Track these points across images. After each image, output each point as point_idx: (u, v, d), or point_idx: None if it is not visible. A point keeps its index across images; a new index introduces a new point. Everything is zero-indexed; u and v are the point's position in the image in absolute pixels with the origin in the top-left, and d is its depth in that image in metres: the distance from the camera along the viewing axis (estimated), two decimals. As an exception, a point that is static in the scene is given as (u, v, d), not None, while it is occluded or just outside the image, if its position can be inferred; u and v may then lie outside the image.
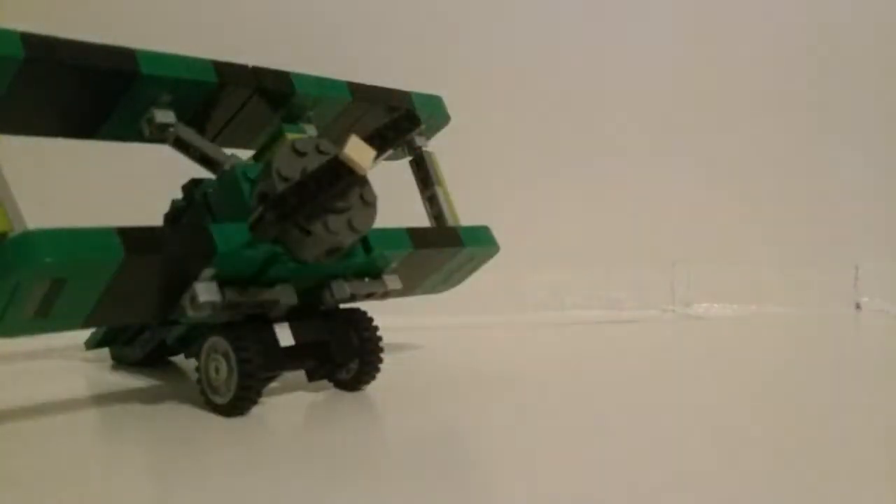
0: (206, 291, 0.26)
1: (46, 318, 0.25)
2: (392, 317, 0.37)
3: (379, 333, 0.33)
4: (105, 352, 0.39)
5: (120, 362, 0.39)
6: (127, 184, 0.50)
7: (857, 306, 0.66)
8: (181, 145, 0.29)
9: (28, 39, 0.25)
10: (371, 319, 0.33)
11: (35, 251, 0.22)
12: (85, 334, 0.39)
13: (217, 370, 0.29)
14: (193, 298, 0.26)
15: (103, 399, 0.32)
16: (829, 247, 0.64)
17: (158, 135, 0.29)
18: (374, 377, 0.33)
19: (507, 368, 0.40)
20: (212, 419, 0.28)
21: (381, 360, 0.33)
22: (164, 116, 0.29)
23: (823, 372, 0.41)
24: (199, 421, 0.28)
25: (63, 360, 0.40)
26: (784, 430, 0.28)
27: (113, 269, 0.24)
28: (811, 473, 0.23)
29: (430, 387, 0.35)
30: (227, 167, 0.29)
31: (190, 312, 0.26)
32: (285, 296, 0.28)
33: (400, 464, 0.24)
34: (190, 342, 0.33)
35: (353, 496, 0.21)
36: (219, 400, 0.29)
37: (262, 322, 0.29)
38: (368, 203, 0.28)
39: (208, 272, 0.26)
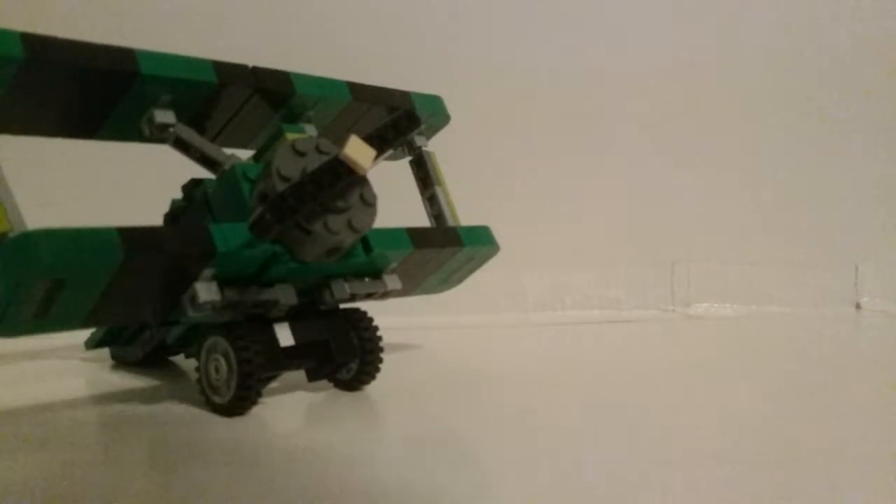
0: (206, 291, 0.26)
1: (46, 318, 0.25)
2: (392, 317, 0.37)
3: (379, 333, 0.33)
4: (105, 352, 0.39)
5: (120, 362, 0.39)
6: (127, 184, 0.50)
7: (857, 306, 0.66)
8: (181, 145, 0.29)
9: (28, 39, 0.25)
10: (371, 319, 0.33)
11: (35, 251, 0.22)
12: (85, 334, 0.39)
13: (217, 370, 0.29)
14: (193, 298, 0.26)
15: (103, 399, 0.32)
16: (829, 247, 0.64)
17: (158, 135, 0.29)
18: (374, 377, 0.33)
19: (507, 368, 0.40)
20: (212, 419, 0.28)
21: (380, 360, 0.33)
22: (164, 116, 0.29)
23: (823, 372, 0.41)
24: (199, 421, 0.28)
25: (63, 360, 0.40)
26: (784, 430, 0.28)
27: (113, 269, 0.24)
28: (811, 473, 0.23)
29: (429, 387, 0.35)
30: (227, 167, 0.29)
31: (190, 312, 0.26)
32: (285, 296, 0.28)
33: (400, 464, 0.24)
34: (190, 342, 0.33)
35: (353, 497, 0.21)
36: (219, 400, 0.29)
37: (262, 322, 0.29)
38: (368, 203, 0.28)
39: (208, 272, 0.26)
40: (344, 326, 0.32)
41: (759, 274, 0.64)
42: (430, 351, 0.45)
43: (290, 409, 0.31)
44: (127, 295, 0.26)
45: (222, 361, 0.28)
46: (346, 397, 0.33)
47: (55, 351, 0.41)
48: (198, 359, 0.29)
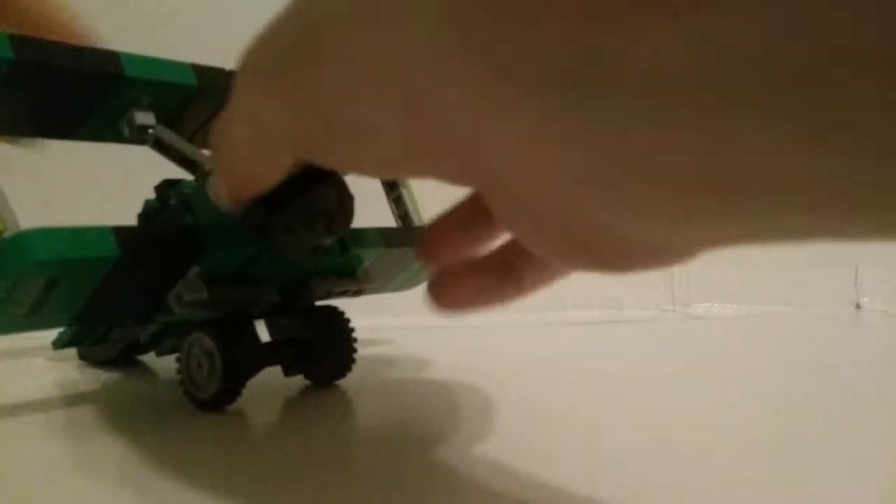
0: (192, 289, 0.27)
1: (37, 316, 0.25)
2: (391, 317, 0.37)
3: (353, 329, 0.33)
4: (72, 352, 0.39)
5: (88, 361, 0.38)
6: (123, 184, 0.50)
7: (857, 306, 0.65)
8: (161, 146, 0.30)
9: (16, 41, 0.25)
10: (344, 315, 0.33)
11: (32, 250, 0.22)
12: (52, 334, 0.38)
13: (200, 366, 0.29)
14: (180, 296, 0.26)
15: (74, 399, 0.32)
16: (829, 247, 0.64)
17: (139, 136, 0.30)
18: (349, 370, 0.34)
19: (506, 368, 0.40)
20: (186, 416, 0.29)
21: (355, 352, 0.33)
22: (145, 118, 0.29)
23: (823, 372, 0.41)
24: (174, 418, 0.29)
25: (29, 360, 0.39)
26: (784, 430, 0.28)
27: (107, 268, 0.24)
28: (811, 473, 0.23)
29: (428, 387, 0.35)
30: (207, 168, 0.29)
31: (176, 310, 0.27)
32: (267, 293, 0.29)
33: (397, 464, 0.24)
34: (163, 340, 0.33)
35: (332, 493, 0.21)
36: (201, 395, 0.29)
37: (243, 319, 0.30)
38: (346, 204, 0.29)
39: (195, 270, 0.26)
40: (319, 323, 0.33)
41: (759, 274, 0.64)
42: (429, 351, 0.45)
43: (268, 403, 0.31)
44: (117, 294, 0.26)
45: (206, 358, 0.29)
46: (321, 392, 0.33)
47: (22, 351, 0.40)
48: (180, 356, 0.30)
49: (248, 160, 0.20)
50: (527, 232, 0.15)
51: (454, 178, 0.15)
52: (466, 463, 0.24)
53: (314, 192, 0.27)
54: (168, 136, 0.30)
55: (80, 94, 0.28)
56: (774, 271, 0.64)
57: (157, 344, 0.35)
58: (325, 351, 0.33)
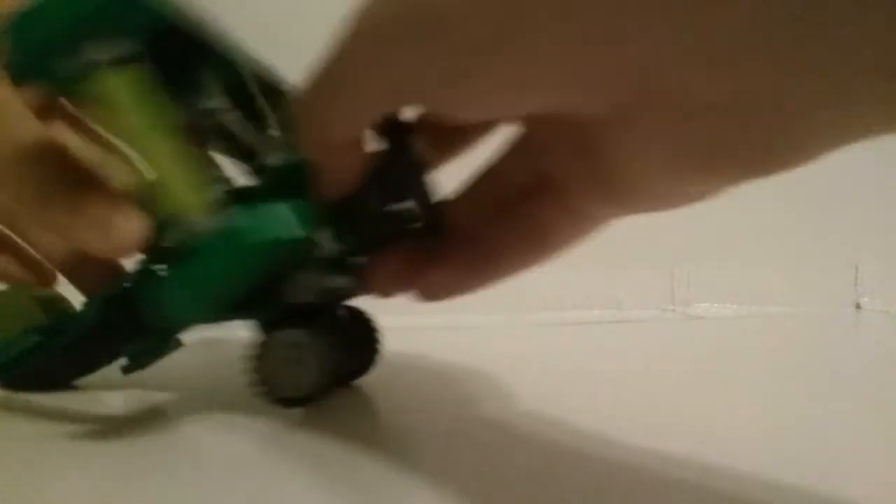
0: (323, 276, 0.26)
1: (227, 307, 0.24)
2: (391, 317, 0.37)
3: (378, 329, 0.33)
4: None
5: (15, 388, 0.32)
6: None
7: (857, 306, 0.65)
8: (222, 131, 0.27)
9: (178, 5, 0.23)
10: (368, 314, 0.33)
11: (289, 225, 0.21)
12: None
13: (287, 363, 0.28)
14: (309, 284, 0.26)
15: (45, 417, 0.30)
16: (829, 247, 0.64)
17: (202, 118, 0.28)
18: (369, 370, 0.33)
19: (505, 368, 0.40)
20: (194, 416, 0.28)
21: (377, 353, 0.33)
22: (216, 101, 0.28)
23: (823, 372, 0.41)
24: (181, 420, 0.28)
25: None
26: (784, 430, 0.28)
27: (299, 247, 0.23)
28: (811, 473, 0.23)
29: (427, 387, 0.35)
30: (267, 161, 0.27)
31: (301, 298, 0.26)
32: (356, 284, 0.28)
33: (395, 464, 0.24)
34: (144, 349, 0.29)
35: (351, 494, 0.21)
36: (288, 394, 0.29)
37: (315, 313, 0.29)
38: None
39: (320, 257, 0.26)
40: (351, 321, 0.33)
41: (759, 274, 0.64)
42: (429, 351, 0.45)
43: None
44: (273, 279, 0.25)
45: (299, 355, 0.28)
46: (340, 393, 0.33)
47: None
48: (256, 355, 0.29)
49: (361, 114, 0.19)
50: (667, 146, 0.18)
51: (618, 93, 0.17)
52: (468, 462, 0.24)
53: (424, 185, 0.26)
54: (236, 119, 0.28)
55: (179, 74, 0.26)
56: (774, 271, 0.64)
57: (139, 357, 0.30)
58: (362, 350, 0.33)
